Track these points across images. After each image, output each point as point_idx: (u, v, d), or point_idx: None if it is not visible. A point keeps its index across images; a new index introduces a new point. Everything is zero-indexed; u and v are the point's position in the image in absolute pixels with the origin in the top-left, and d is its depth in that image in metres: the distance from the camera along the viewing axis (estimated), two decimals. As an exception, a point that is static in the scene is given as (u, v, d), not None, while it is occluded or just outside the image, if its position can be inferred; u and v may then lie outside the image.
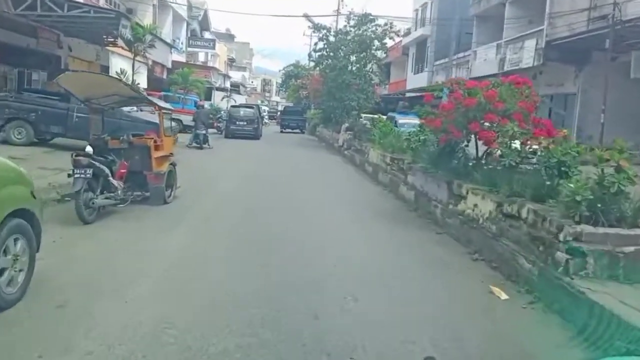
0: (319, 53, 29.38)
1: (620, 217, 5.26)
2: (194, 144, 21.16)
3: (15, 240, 4.45)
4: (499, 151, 7.72)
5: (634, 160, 5.94)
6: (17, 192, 4.52)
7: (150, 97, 11.52)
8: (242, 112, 29.97)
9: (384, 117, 21.36)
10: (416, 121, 19.10)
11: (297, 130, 41.30)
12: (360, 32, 28.25)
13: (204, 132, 21.46)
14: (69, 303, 4.55)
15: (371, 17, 28.42)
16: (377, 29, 28.28)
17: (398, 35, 31.67)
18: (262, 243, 7.27)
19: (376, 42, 28.40)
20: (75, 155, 7.49)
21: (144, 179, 8.98)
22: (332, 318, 4.63)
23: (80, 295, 4.74)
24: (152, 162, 8.97)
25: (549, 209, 5.73)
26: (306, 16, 31.85)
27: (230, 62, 66.41)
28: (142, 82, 26.32)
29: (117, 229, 7.41)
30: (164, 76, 33.69)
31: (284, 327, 4.36)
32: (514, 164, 7.05)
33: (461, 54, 28.22)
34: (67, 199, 8.24)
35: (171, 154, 10.04)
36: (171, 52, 35.11)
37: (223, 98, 42.15)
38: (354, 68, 28.60)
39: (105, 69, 22.99)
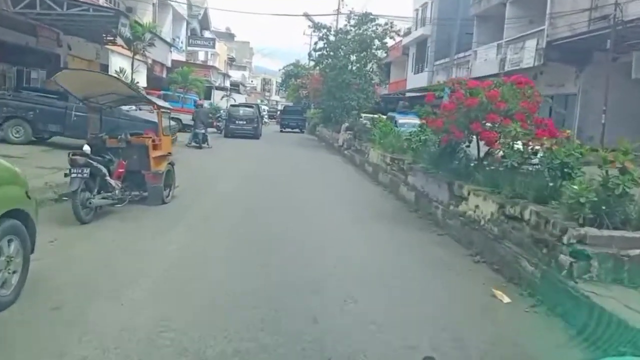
0: (319, 52, 29.30)
1: (625, 220, 5.18)
2: (193, 143, 21.09)
3: (9, 241, 4.36)
4: (500, 152, 7.64)
5: (637, 162, 5.85)
6: (11, 193, 4.43)
7: (148, 96, 11.44)
8: (242, 111, 29.87)
9: (384, 116, 21.28)
10: (416, 121, 19.02)
11: (297, 130, 41.23)
12: (361, 31, 28.17)
13: (203, 131, 21.38)
14: (64, 305, 4.47)
15: (371, 17, 28.33)
16: (377, 29, 28.20)
17: (398, 35, 31.57)
18: (262, 243, 7.21)
19: (376, 42, 28.32)
20: (72, 155, 7.41)
21: (142, 179, 8.89)
22: (332, 321, 4.55)
23: (76, 297, 4.66)
24: (150, 162, 8.89)
25: (552, 211, 5.65)
26: (306, 15, 31.76)
27: (230, 61, 66.31)
28: (142, 81, 26.21)
29: (114, 229, 7.32)
30: (164, 75, 33.58)
31: (283, 330, 4.28)
32: (516, 164, 6.97)
33: (461, 54, 28.14)
34: (64, 198, 8.17)
35: (169, 153, 9.96)
36: (171, 51, 34.99)
37: (223, 97, 42.05)
38: (354, 67, 28.52)
39: (105, 68, 22.88)
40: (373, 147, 16.45)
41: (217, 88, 44.00)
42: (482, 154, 8.81)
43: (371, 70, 29.57)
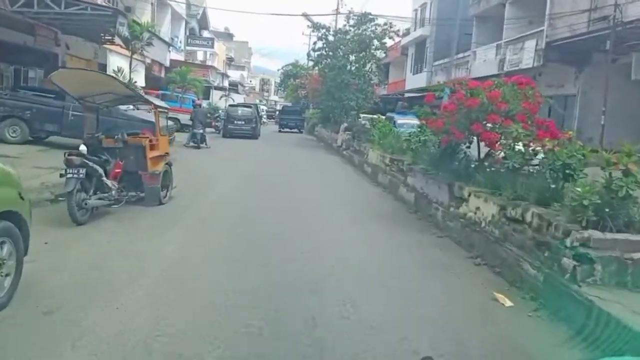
0: (318, 52, 29.21)
1: (629, 222, 5.11)
2: (192, 144, 20.98)
3: (2, 243, 4.27)
4: (501, 153, 7.56)
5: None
6: (3, 194, 4.33)
7: (145, 96, 11.34)
8: (240, 111, 29.74)
9: (383, 117, 21.21)
10: (415, 121, 18.95)
11: (296, 130, 41.14)
12: (360, 31, 28.09)
13: (201, 131, 21.27)
14: (57, 309, 4.38)
15: (371, 17, 28.25)
16: (376, 29, 28.13)
17: (398, 35, 31.50)
18: (261, 244, 7.14)
19: (375, 42, 28.25)
20: (68, 155, 7.31)
21: (139, 179, 8.80)
22: (332, 324, 4.47)
23: (70, 301, 4.56)
24: (148, 162, 8.79)
25: (555, 213, 5.57)
26: (305, 15, 31.59)
27: (229, 61, 66.22)
28: (140, 80, 26.08)
29: (110, 231, 7.23)
30: (162, 75, 33.47)
31: (282, 334, 4.21)
32: (517, 166, 6.88)
33: (460, 55, 28.08)
34: (60, 199, 8.05)
35: (167, 153, 9.87)
36: (169, 51, 34.88)
37: (221, 97, 41.93)
38: (353, 68, 28.44)
39: (103, 67, 22.78)
40: (372, 147, 16.37)
41: (216, 88, 43.90)
42: (482, 155, 8.74)
43: (370, 70, 29.50)
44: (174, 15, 37.94)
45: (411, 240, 8.01)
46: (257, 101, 60.12)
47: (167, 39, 34.17)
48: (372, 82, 29.76)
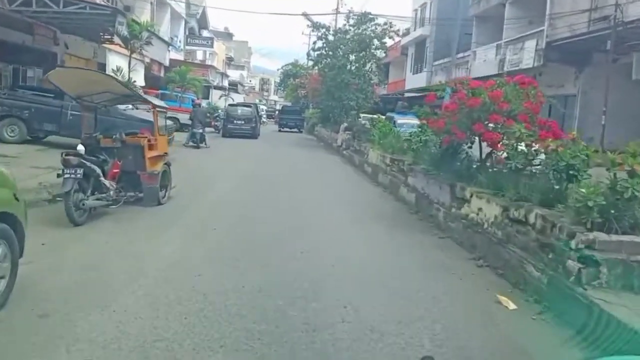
0: (318, 52, 29.13)
1: (634, 224, 5.02)
2: (191, 143, 20.90)
3: (-4, 245, 4.19)
4: (504, 153, 7.48)
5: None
6: (-2, 195, 4.25)
7: (144, 95, 11.26)
8: (240, 110, 29.64)
9: (383, 117, 21.13)
10: (415, 121, 18.87)
11: (295, 130, 41.08)
12: (360, 31, 28.01)
13: (200, 131, 21.20)
14: (53, 312, 4.29)
15: (370, 17, 28.17)
16: (376, 28, 28.05)
17: (397, 35, 31.41)
18: (261, 244, 7.09)
19: (375, 42, 28.16)
20: (65, 155, 7.23)
21: (138, 179, 8.72)
22: (332, 329, 4.38)
23: (66, 304, 4.48)
24: (146, 162, 8.71)
25: (559, 215, 5.49)
26: (305, 15, 31.60)
27: (229, 61, 66.13)
28: (139, 80, 26.00)
29: (108, 232, 7.14)
30: (162, 74, 33.39)
31: (282, 339, 4.11)
32: (520, 166, 6.80)
33: (460, 55, 28.01)
34: (58, 199, 7.98)
35: (166, 153, 9.79)
36: (169, 50, 34.79)
37: (221, 97, 41.87)
38: (353, 67, 28.36)
39: (102, 67, 22.70)
40: (372, 147, 16.29)
41: (216, 87, 43.84)
42: (484, 156, 8.66)
43: (370, 70, 29.41)
44: (174, 14, 37.85)
45: (412, 241, 7.94)
46: (257, 101, 60.02)
47: (166, 39, 34.08)
48: (372, 81, 29.68)
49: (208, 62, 48.96)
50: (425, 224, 9.04)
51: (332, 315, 4.66)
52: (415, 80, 35.99)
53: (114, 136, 8.64)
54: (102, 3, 22.38)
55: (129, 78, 21.29)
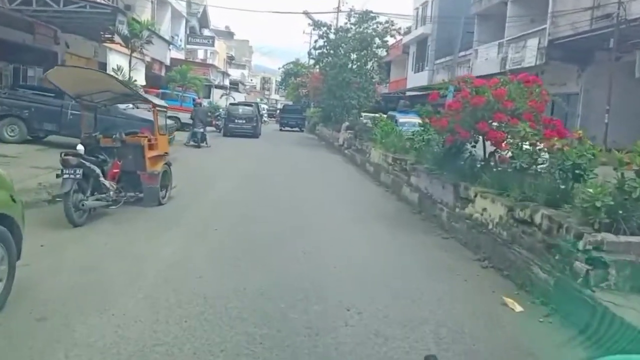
0: (319, 51, 29.03)
1: (643, 225, 4.93)
2: (192, 143, 20.83)
3: (-7, 248, 4.11)
4: (508, 153, 7.38)
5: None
6: (-6, 196, 4.17)
7: (144, 94, 11.18)
8: (241, 110, 29.56)
9: (385, 115, 21.03)
10: (417, 120, 18.74)
11: (297, 129, 40.98)
12: (361, 29, 27.90)
13: (201, 130, 21.13)
14: (51, 315, 4.22)
15: (372, 15, 28.06)
16: (377, 27, 27.93)
17: (399, 34, 31.29)
18: (262, 244, 7.03)
19: (377, 40, 28.05)
20: (64, 155, 7.15)
21: (138, 179, 8.64)
22: (335, 332, 4.29)
23: (64, 307, 4.40)
24: (146, 162, 8.63)
25: (565, 215, 5.39)
26: (306, 13, 31.48)
27: (230, 60, 65.99)
28: (140, 79, 25.92)
29: (107, 232, 7.06)
30: (162, 73, 33.30)
31: (284, 343, 4.03)
32: (525, 166, 6.69)
33: (462, 53, 27.91)
34: (58, 199, 7.88)
35: (166, 153, 9.71)
36: (169, 49, 34.70)
37: (222, 96, 41.82)
38: (354, 66, 28.25)
39: (103, 66, 22.64)
40: (374, 146, 16.19)
41: (217, 87, 43.78)
42: (487, 155, 8.54)
43: (371, 68, 29.30)
44: (174, 13, 37.75)
45: (415, 241, 7.86)
46: (258, 100, 60.01)
47: (167, 38, 33.98)
48: (373, 80, 29.58)
49: (209, 61, 48.87)
50: (428, 224, 8.95)
51: (334, 318, 4.57)
52: (416, 79, 35.88)
53: (113, 136, 8.55)
54: (103, 2, 22.31)
55: (130, 77, 21.20)
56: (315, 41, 29.60)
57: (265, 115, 50.02)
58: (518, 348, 4.34)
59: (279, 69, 67.94)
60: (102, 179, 7.70)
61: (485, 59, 25.68)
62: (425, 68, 35.16)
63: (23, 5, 15.60)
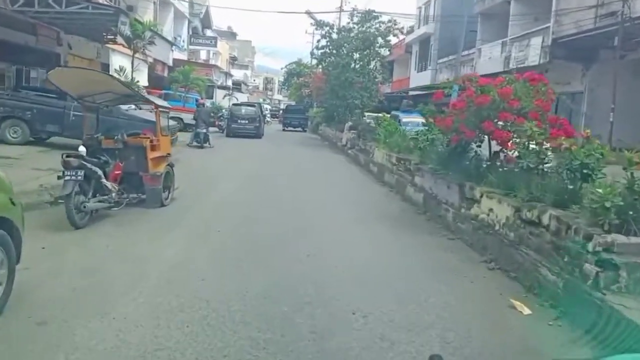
0: (322, 50, 28.97)
1: (654, 226, 4.82)
2: (195, 143, 20.78)
3: (-8, 251, 4.04)
4: (514, 152, 7.27)
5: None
6: (-7, 199, 4.10)
7: (146, 95, 11.12)
8: (244, 110, 29.50)
9: (388, 115, 20.94)
10: (420, 120, 18.63)
11: (300, 129, 40.93)
12: (364, 29, 27.81)
13: (204, 130, 21.08)
14: (51, 319, 4.15)
15: (375, 14, 27.97)
16: (380, 26, 27.84)
17: (402, 33, 31.18)
18: (265, 245, 6.97)
19: (380, 40, 27.95)
20: (66, 156, 7.09)
21: (140, 181, 8.58)
22: (340, 336, 4.21)
23: (65, 310, 4.33)
24: (148, 163, 8.57)
25: (573, 216, 5.29)
26: (309, 13, 31.42)
27: (232, 60, 66.01)
28: (143, 80, 25.90)
29: (109, 234, 7.00)
30: (165, 74, 33.29)
31: (287, 348, 3.95)
32: (532, 165, 6.59)
33: (465, 52, 27.80)
34: (60, 201, 7.80)
35: (169, 154, 9.64)
36: (172, 50, 34.67)
37: (225, 96, 41.81)
38: (357, 66, 28.15)
39: (106, 67, 22.61)
40: (378, 146, 16.10)
41: (219, 87, 43.74)
42: (492, 154, 8.44)
43: (374, 68, 29.20)
44: (177, 14, 37.72)
45: (420, 242, 7.77)
46: (261, 100, 59.93)
47: (170, 38, 33.96)
48: (376, 80, 29.47)
49: (212, 62, 48.89)
50: (433, 224, 8.85)
51: (339, 322, 4.49)
52: (419, 79, 35.77)
53: (115, 137, 8.50)
54: (105, 3, 22.30)
55: (132, 78, 21.16)
56: (318, 41, 29.59)
57: (268, 115, 50.04)
58: (527, 352, 4.25)
59: (282, 69, 67.84)
60: (103, 180, 7.64)
61: (489, 58, 25.57)
62: (428, 67, 35.06)
63: (25, 6, 15.59)
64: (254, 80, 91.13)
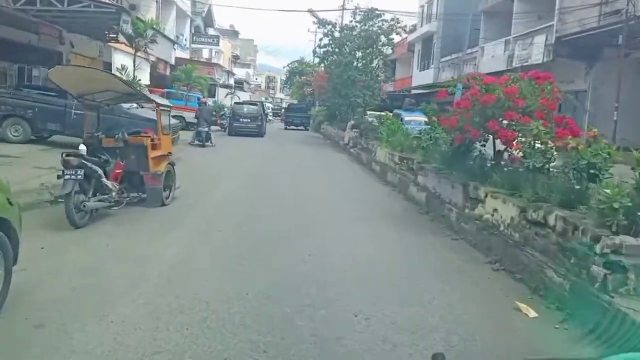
0: (324, 49, 28.88)
1: (663, 228, 4.72)
2: (197, 142, 20.71)
3: (-11, 252, 3.97)
4: (519, 152, 7.18)
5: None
6: (-10, 200, 4.03)
7: (147, 94, 11.05)
8: (246, 109, 29.44)
9: (391, 114, 20.85)
10: (423, 118, 18.57)
11: (302, 128, 40.85)
12: (367, 27, 27.70)
13: (206, 129, 21.01)
14: (48, 322, 4.08)
15: (378, 13, 27.86)
16: (383, 25, 27.72)
17: (405, 31, 31.05)
18: (267, 244, 6.93)
19: (383, 38, 27.83)
20: (66, 156, 7.03)
21: (141, 180, 8.51)
22: (343, 340, 4.13)
23: (63, 312, 4.26)
24: (149, 162, 8.50)
25: (581, 217, 5.19)
26: (311, 11, 31.26)
27: (235, 59, 65.93)
28: (145, 78, 25.85)
29: (110, 234, 6.93)
30: (168, 73, 33.25)
31: (289, 353, 3.87)
32: (538, 165, 6.49)
33: (468, 51, 27.67)
34: (60, 200, 7.74)
35: (170, 153, 9.57)
36: (174, 49, 34.62)
37: (227, 95, 41.77)
38: (359, 64, 28.04)
39: (108, 66, 22.57)
40: (380, 145, 16.01)
41: (222, 86, 43.73)
42: (495, 154, 8.34)
43: (377, 67, 29.09)
44: (179, 13, 37.66)
45: (424, 243, 7.69)
46: (263, 99, 59.92)
47: (172, 37, 33.92)
48: (379, 79, 29.37)
49: (214, 61, 48.81)
50: (437, 224, 8.76)
51: (342, 324, 4.41)
52: (422, 77, 35.66)
53: (116, 136, 8.43)
54: (107, 1, 22.25)
55: (135, 77, 21.11)
56: (321, 40, 29.45)
57: (271, 114, 49.95)
58: (533, 356, 4.16)
59: (284, 68, 67.73)
60: (104, 179, 7.57)
61: (492, 57, 25.44)
62: (431, 66, 34.94)
63: (28, 5, 15.54)
64: (257, 79, 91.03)
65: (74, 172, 6.91)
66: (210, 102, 28.35)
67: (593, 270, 4.57)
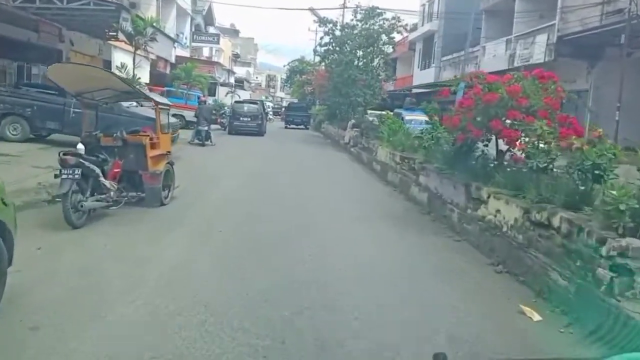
0: (325, 48, 28.77)
1: (670, 230, 4.64)
2: (196, 141, 20.61)
3: (-18, 254, 3.89)
4: (521, 152, 7.09)
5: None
6: (-17, 200, 3.95)
7: (146, 92, 10.96)
8: (246, 107, 29.35)
9: (391, 113, 20.76)
10: (423, 118, 18.45)
11: (302, 127, 40.77)
12: (367, 26, 27.60)
13: (206, 128, 20.91)
14: (44, 324, 4.00)
15: (378, 11, 27.75)
16: (384, 23, 27.62)
17: (406, 30, 30.95)
18: (267, 244, 6.86)
19: (383, 37, 27.73)
20: (63, 154, 6.94)
21: (139, 179, 8.42)
22: (344, 345, 4.05)
23: (59, 315, 4.18)
24: (148, 161, 8.41)
25: (586, 218, 5.10)
26: (312, 10, 31.16)
27: (235, 58, 65.82)
28: (144, 76, 25.77)
29: (107, 234, 6.83)
30: (167, 71, 33.17)
31: (290, 358, 3.79)
32: (542, 165, 6.39)
33: (469, 50, 27.58)
34: (57, 199, 7.66)
35: (169, 152, 9.48)
36: (174, 47, 34.52)
37: (227, 94, 41.68)
38: (360, 63, 27.96)
39: (108, 64, 22.49)
40: (381, 144, 15.92)
41: (222, 84, 43.63)
42: (497, 154, 8.26)
43: (378, 66, 29.00)
44: (179, 11, 37.56)
45: (425, 243, 7.61)
46: (263, 98, 59.78)
47: (172, 35, 33.81)
48: (379, 77, 29.27)
49: (214, 59, 48.71)
50: (438, 225, 8.68)
51: (342, 328, 4.32)
52: (423, 76, 35.55)
53: (114, 135, 8.34)
54: (107, -1, 22.16)
55: (134, 75, 21.02)
56: (321, 38, 29.34)
57: (271, 113, 49.86)
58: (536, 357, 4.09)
59: (285, 66, 67.52)
60: (102, 179, 7.48)
61: (493, 56, 25.35)
62: (431, 65, 34.84)
63: (27, 2, 15.46)
64: (257, 78, 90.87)
65: (71, 171, 6.82)
66: (210, 100, 28.29)
67: (599, 272, 4.48)
